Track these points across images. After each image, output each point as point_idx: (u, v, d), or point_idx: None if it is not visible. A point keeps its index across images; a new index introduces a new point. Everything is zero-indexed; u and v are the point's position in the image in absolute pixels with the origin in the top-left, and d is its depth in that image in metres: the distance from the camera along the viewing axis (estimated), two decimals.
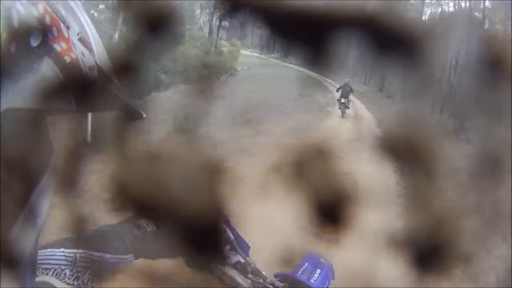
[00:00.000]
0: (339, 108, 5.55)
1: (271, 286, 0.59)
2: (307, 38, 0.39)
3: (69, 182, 0.61)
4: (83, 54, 0.39)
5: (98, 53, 0.42)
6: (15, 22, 0.31)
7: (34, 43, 0.33)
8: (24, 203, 0.36)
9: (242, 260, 0.60)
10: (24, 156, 0.35)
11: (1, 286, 0.33)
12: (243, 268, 0.59)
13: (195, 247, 0.48)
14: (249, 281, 0.59)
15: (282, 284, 0.60)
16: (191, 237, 0.45)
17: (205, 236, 0.45)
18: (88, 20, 0.42)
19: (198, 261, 0.54)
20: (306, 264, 0.76)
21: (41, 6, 0.34)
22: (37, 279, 0.47)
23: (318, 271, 0.73)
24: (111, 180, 0.43)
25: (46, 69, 0.35)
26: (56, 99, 0.37)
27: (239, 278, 0.58)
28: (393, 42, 0.37)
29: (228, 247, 0.59)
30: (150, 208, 0.43)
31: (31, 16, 0.33)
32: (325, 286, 0.72)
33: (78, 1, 0.41)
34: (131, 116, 0.50)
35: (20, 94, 0.33)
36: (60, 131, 0.44)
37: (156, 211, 0.43)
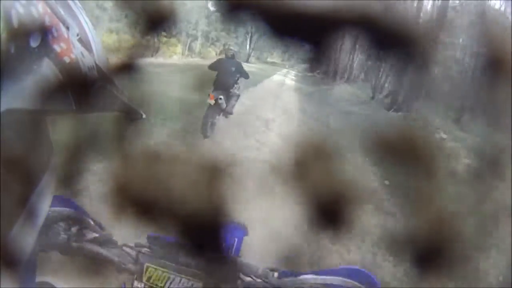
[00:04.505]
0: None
1: (128, 249, 0.62)
2: (307, 38, 0.39)
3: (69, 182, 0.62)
4: (82, 55, 0.39)
5: (98, 54, 0.42)
6: (15, 23, 0.31)
7: (34, 43, 0.33)
8: (24, 203, 0.36)
9: (98, 235, 0.63)
10: (24, 157, 0.35)
11: (1, 286, 0.33)
12: (102, 242, 0.62)
13: (195, 245, 0.49)
14: (108, 249, 0.62)
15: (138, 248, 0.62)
16: (191, 236, 0.45)
17: (205, 234, 0.45)
18: (88, 20, 0.42)
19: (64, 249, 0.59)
20: None
21: (40, 7, 0.34)
22: (37, 279, 0.47)
23: None
24: (111, 179, 0.43)
25: (45, 69, 0.35)
26: (56, 100, 0.37)
27: (98, 250, 0.61)
28: (393, 42, 0.37)
29: (77, 227, 0.62)
30: (150, 208, 0.43)
31: (31, 17, 0.33)
32: (232, 243, 0.73)
33: (77, 1, 0.41)
34: (130, 116, 0.50)
35: (20, 94, 0.33)
36: (60, 131, 0.44)
37: (155, 210, 0.43)
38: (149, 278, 0.60)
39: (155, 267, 0.60)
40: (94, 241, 0.63)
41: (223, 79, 2.94)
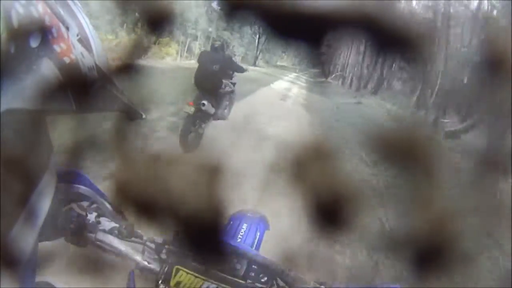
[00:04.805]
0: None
1: (152, 245, 0.54)
2: (306, 38, 0.38)
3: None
4: (82, 55, 0.39)
5: (98, 54, 0.42)
6: (15, 23, 0.31)
7: (34, 44, 0.33)
8: (24, 203, 0.36)
9: (117, 225, 0.55)
10: (24, 157, 0.36)
11: (1, 286, 0.33)
12: (120, 233, 0.54)
13: (195, 244, 0.48)
14: (129, 243, 0.55)
15: (162, 240, 0.55)
16: (191, 235, 0.45)
17: (204, 234, 0.45)
18: (88, 21, 0.42)
19: (74, 238, 0.53)
20: (230, 222, 0.68)
21: (40, 7, 0.34)
22: (37, 279, 0.47)
23: (245, 225, 0.65)
24: (111, 179, 0.43)
25: (45, 69, 0.35)
26: (56, 100, 0.37)
27: (117, 243, 0.55)
28: (393, 42, 0.37)
29: (95, 214, 0.55)
30: (150, 207, 0.43)
31: (31, 17, 0.33)
32: (255, 240, 0.64)
33: (77, 2, 0.41)
34: (130, 116, 0.50)
35: (20, 95, 0.33)
36: (60, 131, 0.44)
37: (155, 210, 0.43)
38: (178, 284, 0.51)
39: (187, 270, 0.51)
40: (111, 232, 0.55)
41: (201, 78, 2.20)
